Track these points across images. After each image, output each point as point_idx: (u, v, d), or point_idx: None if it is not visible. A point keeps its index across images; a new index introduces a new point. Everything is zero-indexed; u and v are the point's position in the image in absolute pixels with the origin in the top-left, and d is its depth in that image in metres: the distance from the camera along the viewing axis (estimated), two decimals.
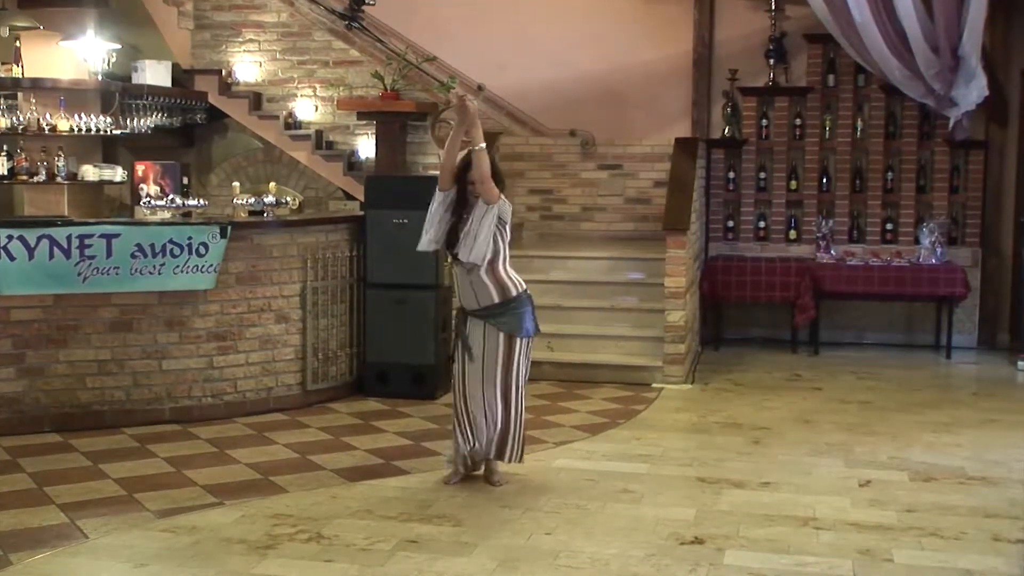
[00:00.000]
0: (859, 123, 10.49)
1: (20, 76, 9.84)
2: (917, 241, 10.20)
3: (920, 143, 10.39)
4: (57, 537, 5.14)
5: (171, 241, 7.11)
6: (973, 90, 9.25)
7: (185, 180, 9.69)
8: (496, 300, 5.82)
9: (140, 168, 9.05)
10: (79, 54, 10.09)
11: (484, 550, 5.00)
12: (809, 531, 5.31)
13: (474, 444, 5.96)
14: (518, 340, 5.88)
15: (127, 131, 9.94)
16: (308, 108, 11.02)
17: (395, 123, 10.25)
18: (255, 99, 10.99)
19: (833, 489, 6.00)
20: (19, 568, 4.76)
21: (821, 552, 5.02)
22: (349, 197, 10.37)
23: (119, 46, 10.25)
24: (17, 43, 9.95)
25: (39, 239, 6.81)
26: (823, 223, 10.32)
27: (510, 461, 6.01)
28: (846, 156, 10.51)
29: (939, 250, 9.98)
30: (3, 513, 5.44)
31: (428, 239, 5.93)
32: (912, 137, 10.38)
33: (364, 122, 10.69)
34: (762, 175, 10.70)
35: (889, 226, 10.48)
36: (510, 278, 5.88)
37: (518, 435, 5.98)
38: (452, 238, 5.84)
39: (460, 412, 5.96)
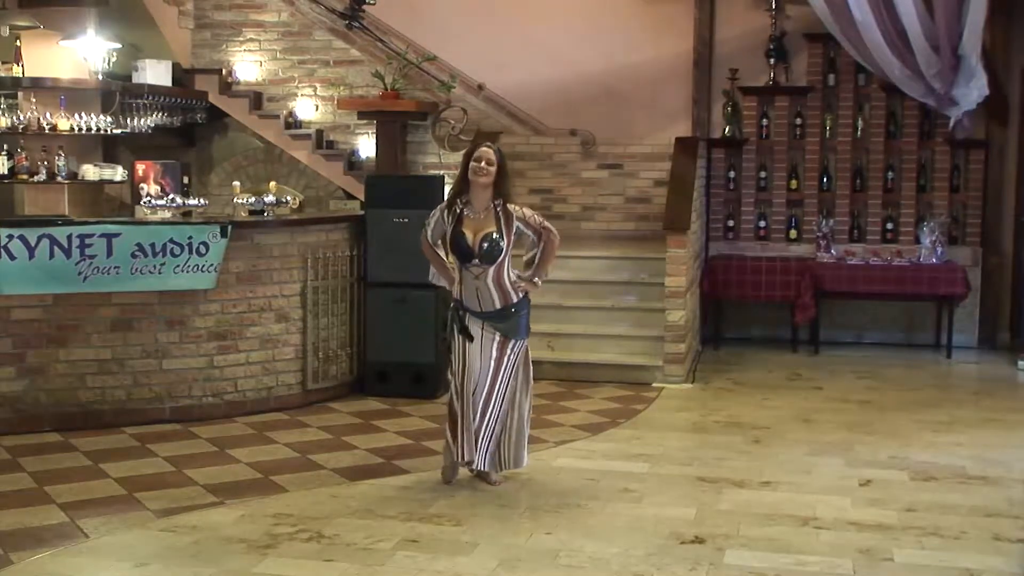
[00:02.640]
0: (859, 122, 10.49)
1: (20, 75, 9.83)
2: (917, 240, 10.20)
3: (920, 142, 10.38)
4: (58, 536, 5.14)
5: (171, 240, 7.11)
6: (973, 89, 9.25)
7: (185, 179, 9.68)
8: (498, 306, 5.77)
9: (140, 167, 9.04)
10: (79, 53, 10.09)
11: (485, 549, 5.00)
12: (809, 530, 5.31)
13: (462, 456, 5.85)
14: (511, 342, 5.83)
15: (127, 130, 9.94)
16: (308, 107, 11.03)
17: (395, 122, 10.26)
18: (255, 98, 11.00)
19: (833, 488, 6.00)
20: (20, 567, 4.76)
21: (821, 551, 5.01)
22: (349, 196, 10.38)
23: (119, 45, 10.25)
24: (17, 42, 9.95)
25: (39, 238, 6.81)
26: (823, 222, 10.32)
27: (502, 469, 5.97)
28: (846, 155, 10.50)
29: (939, 249, 9.98)
30: (4, 512, 5.44)
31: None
32: (912, 136, 10.38)
33: (364, 121, 10.70)
34: (762, 174, 10.69)
35: (889, 225, 10.48)
36: (512, 283, 5.81)
37: (513, 440, 5.92)
38: (463, 247, 5.73)
39: (459, 417, 5.85)
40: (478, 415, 5.79)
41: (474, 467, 5.90)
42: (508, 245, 5.75)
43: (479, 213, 5.76)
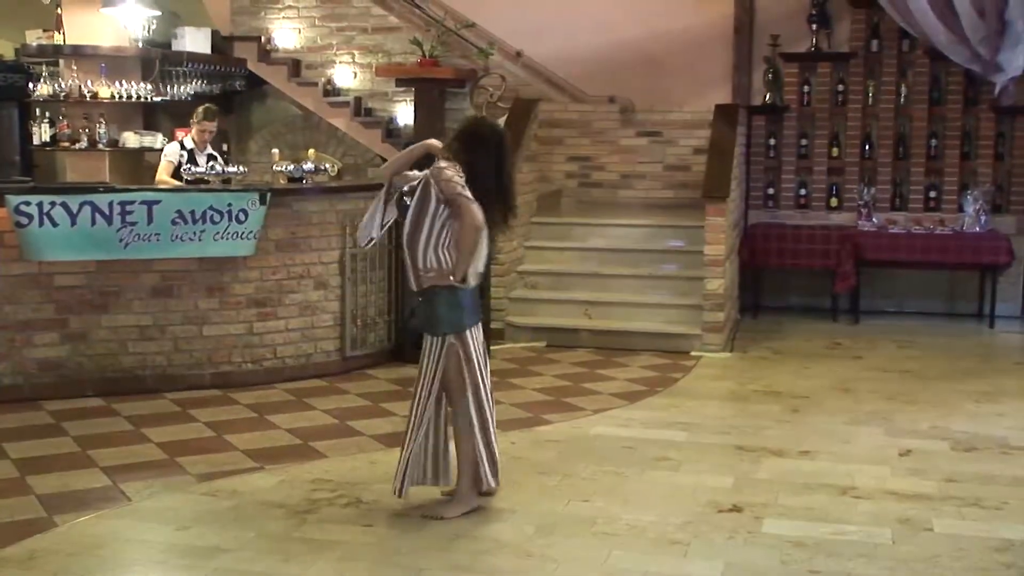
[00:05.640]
0: (903, 89, 10.34)
1: (62, 43, 9.92)
2: (961, 209, 10.06)
3: (965, 109, 10.23)
4: (101, 500, 5.21)
5: (211, 208, 7.13)
6: (1019, 55, 9.09)
7: (225, 147, 9.73)
8: (414, 287, 5.01)
9: (180, 135, 9.10)
10: (120, 21, 10.14)
11: (522, 516, 5.01)
12: (848, 500, 5.28)
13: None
14: (428, 338, 5.01)
15: (167, 98, 10.00)
16: (347, 75, 11.03)
17: (434, 90, 10.25)
18: (294, 66, 11.02)
19: (873, 458, 5.96)
20: (64, 530, 4.83)
21: (860, 521, 4.99)
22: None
23: (159, 13, 10.29)
24: (58, 10, 10.02)
25: (81, 205, 6.85)
26: (865, 190, 10.20)
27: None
28: (889, 122, 10.37)
29: (983, 218, 9.84)
30: (48, 476, 5.52)
31: None
32: (957, 103, 10.22)
33: (403, 89, 10.70)
34: (803, 142, 10.59)
35: (932, 193, 10.35)
36: (425, 268, 4.95)
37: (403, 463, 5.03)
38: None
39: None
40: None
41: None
42: (420, 206, 4.87)
43: None
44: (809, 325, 9.82)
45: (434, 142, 5.10)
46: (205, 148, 8.66)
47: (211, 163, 8.42)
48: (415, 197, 4.91)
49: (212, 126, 8.64)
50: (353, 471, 5.67)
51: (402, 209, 4.99)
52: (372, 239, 5.25)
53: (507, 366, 8.06)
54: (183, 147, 8.58)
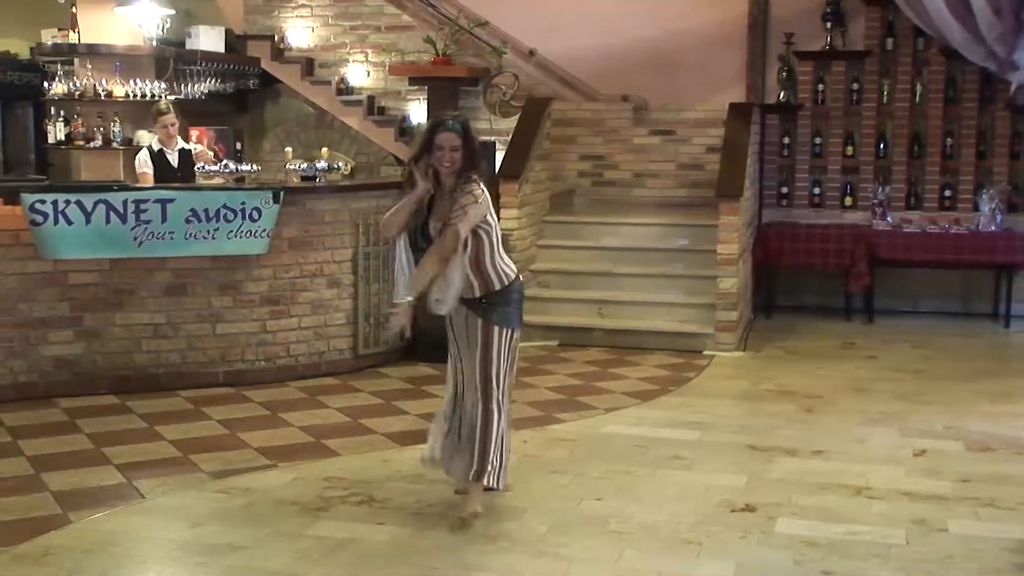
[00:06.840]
0: (918, 87, 10.30)
1: (76, 42, 9.96)
2: (976, 208, 10.01)
3: (980, 108, 10.18)
4: (115, 497, 5.23)
5: (225, 206, 7.14)
6: None
7: (238, 145, 9.75)
8: (477, 294, 4.91)
9: (194, 133, 9.12)
10: (134, 20, 10.17)
11: (534, 515, 5.01)
12: (862, 500, 5.26)
13: (431, 452, 5.22)
14: (496, 329, 4.92)
15: (181, 97, 10.02)
16: (360, 73, 11.05)
17: (447, 88, 10.26)
18: (307, 64, 11.04)
19: (887, 458, 5.94)
20: (78, 527, 4.85)
21: (874, 521, 4.97)
22: (400, 163, 10.40)
23: (173, 11, 10.32)
24: (73, 9, 10.06)
25: (96, 204, 6.87)
26: (879, 189, 10.16)
27: (487, 483, 4.99)
28: (904, 121, 10.33)
29: (999, 217, 9.79)
30: (62, 473, 5.54)
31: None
32: (972, 102, 10.18)
33: (416, 87, 10.71)
34: (817, 140, 10.55)
35: (947, 193, 10.30)
36: (496, 270, 4.95)
37: (499, 452, 5.00)
38: (430, 242, 4.86)
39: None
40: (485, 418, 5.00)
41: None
42: (491, 230, 4.89)
43: (445, 197, 4.86)
44: (823, 325, 9.79)
45: (424, 187, 4.86)
46: (175, 145, 8.32)
47: (226, 165, 8.37)
48: (485, 228, 4.86)
49: (171, 118, 8.26)
50: (366, 469, 5.67)
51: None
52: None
53: (520, 365, 7.98)
54: (151, 151, 8.28)
